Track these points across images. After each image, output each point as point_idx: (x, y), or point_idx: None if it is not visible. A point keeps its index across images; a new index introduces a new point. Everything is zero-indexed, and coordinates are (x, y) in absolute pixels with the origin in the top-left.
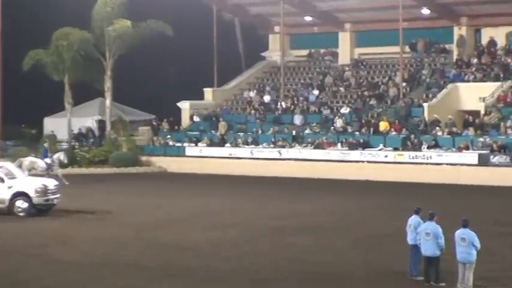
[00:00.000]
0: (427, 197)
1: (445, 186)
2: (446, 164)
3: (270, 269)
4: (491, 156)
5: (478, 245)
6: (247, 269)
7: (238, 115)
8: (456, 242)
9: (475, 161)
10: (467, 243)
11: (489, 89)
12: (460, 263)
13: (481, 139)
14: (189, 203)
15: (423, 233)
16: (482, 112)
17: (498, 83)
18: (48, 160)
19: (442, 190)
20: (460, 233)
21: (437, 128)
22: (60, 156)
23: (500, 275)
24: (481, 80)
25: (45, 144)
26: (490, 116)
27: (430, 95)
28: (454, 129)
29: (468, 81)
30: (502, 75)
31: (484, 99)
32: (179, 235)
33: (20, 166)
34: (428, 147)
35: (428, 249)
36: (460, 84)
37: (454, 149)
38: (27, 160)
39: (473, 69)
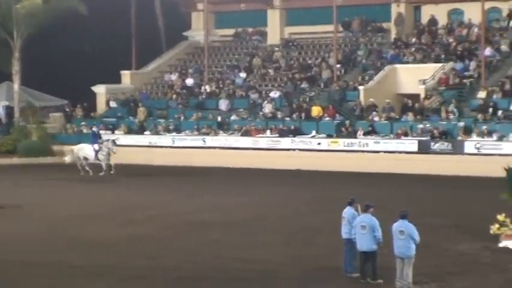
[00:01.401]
0: (363, 187)
1: (382, 175)
2: (384, 152)
3: (194, 266)
4: (432, 143)
5: (418, 239)
6: (170, 266)
7: (159, 100)
8: (394, 235)
9: (415, 148)
10: (405, 236)
11: (429, 71)
12: (397, 258)
13: (421, 125)
14: (106, 196)
15: (358, 226)
16: (422, 96)
17: (439, 65)
18: (96, 147)
19: (379, 180)
20: (398, 225)
21: (374, 113)
22: (109, 144)
23: (439, 270)
24: (421, 62)
25: (94, 129)
26: (431, 100)
27: (366, 78)
28: (392, 114)
29: (407, 62)
30: (443, 56)
31: (424, 82)
32: (96, 231)
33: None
34: (364, 134)
35: (364, 243)
36: (398, 66)
37: (392, 135)
38: (76, 148)
39: (413, 49)
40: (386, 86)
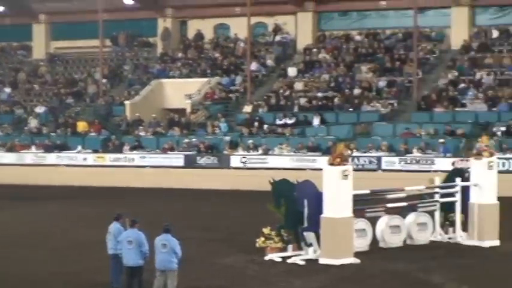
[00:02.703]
0: (131, 203)
1: (149, 190)
2: (150, 167)
3: None
4: (198, 158)
5: (180, 253)
6: None
7: None
8: (156, 248)
9: (181, 162)
10: (168, 249)
11: (196, 85)
12: (159, 271)
13: (187, 139)
14: None
15: (125, 242)
16: (189, 110)
17: (205, 79)
18: None
19: (146, 195)
20: (160, 238)
21: (141, 127)
22: None
23: (206, 284)
24: (187, 76)
25: None
26: (197, 114)
27: (133, 93)
28: (159, 128)
29: (173, 77)
30: (209, 70)
31: (190, 97)
32: None
33: None
34: (130, 149)
35: (130, 258)
36: (164, 81)
37: (158, 150)
38: None
39: (179, 64)
40: (153, 101)
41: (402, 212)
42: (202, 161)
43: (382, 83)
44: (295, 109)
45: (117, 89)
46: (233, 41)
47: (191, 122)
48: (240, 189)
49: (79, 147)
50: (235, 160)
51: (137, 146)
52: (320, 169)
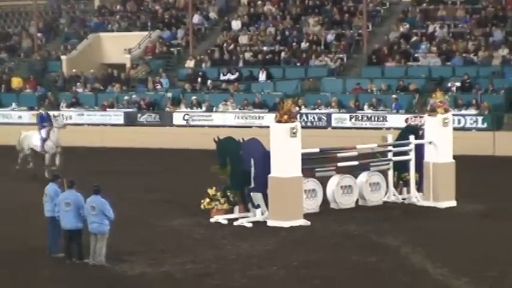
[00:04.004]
0: (68, 162)
1: (88, 149)
2: (88, 125)
3: None
4: (139, 115)
5: (110, 215)
6: None
7: None
8: (86, 211)
9: (121, 120)
10: (97, 212)
11: (135, 39)
12: (92, 234)
13: (127, 96)
14: None
15: (62, 204)
16: (128, 65)
17: (145, 33)
18: (44, 133)
19: (85, 154)
20: (89, 200)
21: (78, 84)
22: (56, 123)
23: (150, 247)
24: (126, 30)
25: (41, 110)
26: (137, 69)
27: (69, 47)
28: (97, 85)
29: (112, 30)
30: (149, 23)
31: (129, 51)
32: None
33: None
34: (68, 106)
35: (69, 221)
36: (102, 34)
37: (97, 107)
38: (22, 135)
39: (118, 17)
40: (91, 56)
41: (354, 172)
42: (143, 118)
43: (330, 36)
44: (240, 64)
45: (52, 43)
46: None
47: (131, 78)
48: (183, 147)
49: (13, 105)
50: (177, 117)
51: (75, 103)
52: (267, 127)
